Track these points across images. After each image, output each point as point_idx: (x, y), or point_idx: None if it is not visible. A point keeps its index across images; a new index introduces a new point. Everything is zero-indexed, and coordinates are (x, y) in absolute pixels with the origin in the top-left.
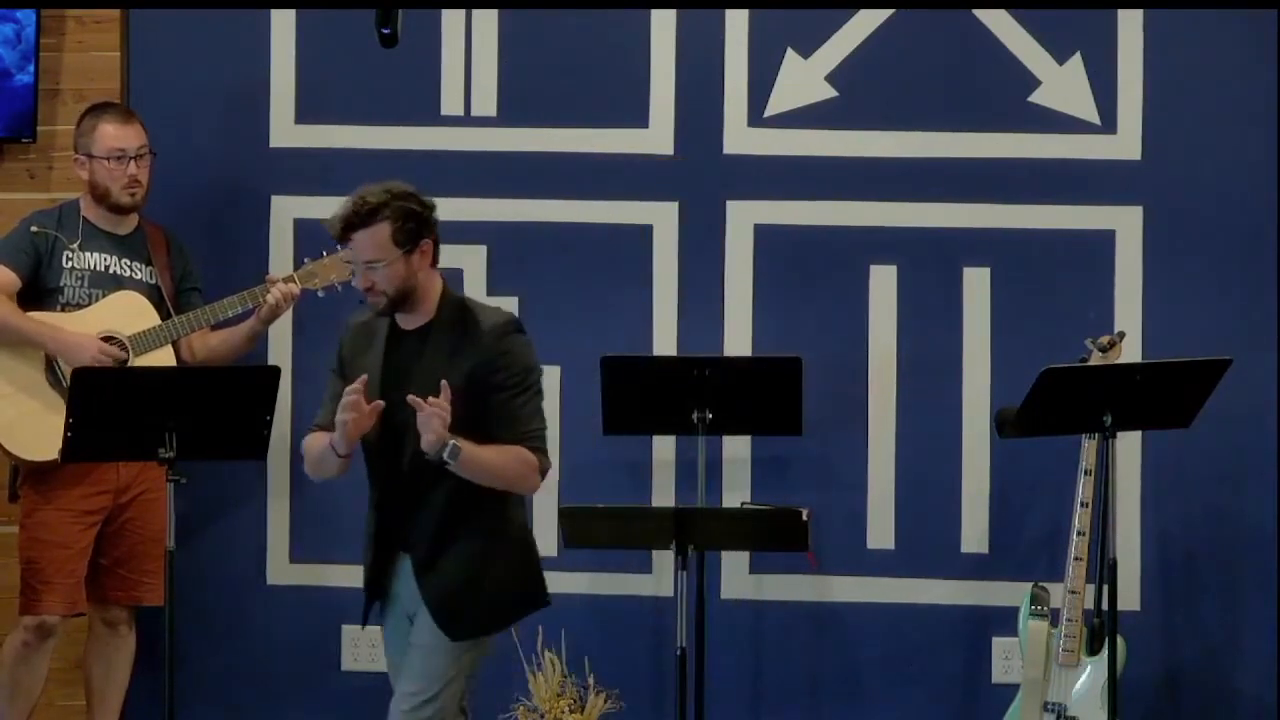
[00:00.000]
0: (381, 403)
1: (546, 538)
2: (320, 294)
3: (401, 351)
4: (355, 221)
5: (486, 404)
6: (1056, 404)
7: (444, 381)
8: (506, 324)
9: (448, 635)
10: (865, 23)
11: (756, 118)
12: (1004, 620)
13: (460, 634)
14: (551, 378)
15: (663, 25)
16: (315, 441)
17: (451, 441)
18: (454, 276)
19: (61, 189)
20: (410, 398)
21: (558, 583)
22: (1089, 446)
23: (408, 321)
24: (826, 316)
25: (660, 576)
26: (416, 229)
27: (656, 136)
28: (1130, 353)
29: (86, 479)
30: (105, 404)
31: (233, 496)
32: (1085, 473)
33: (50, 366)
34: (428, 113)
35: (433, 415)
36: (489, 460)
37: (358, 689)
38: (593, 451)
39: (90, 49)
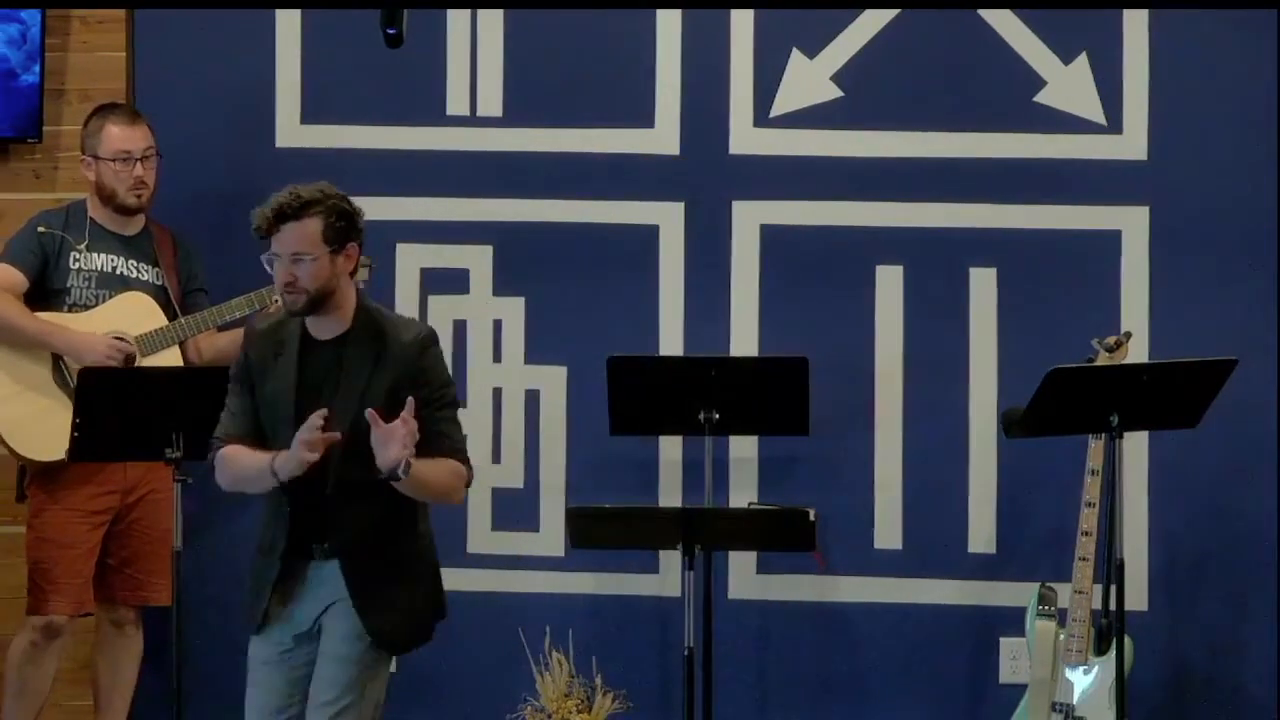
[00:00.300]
0: (337, 435)
1: (553, 538)
2: None
3: (317, 362)
4: (288, 213)
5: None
6: (1063, 404)
7: (410, 400)
8: (426, 337)
9: (387, 650)
10: (871, 23)
11: (762, 118)
12: (1011, 620)
13: (398, 648)
14: (558, 378)
15: (668, 25)
16: (241, 456)
17: (407, 458)
18: (459, 276)
19: (67, 189)
20: (369, 412)
21: (564, 583)
22: (1095, 447)
23: (321, 330)
24: (833, 317)
25: (667, 577)
26: (345, 230)
27: (662, 136)
28: (1137, 353)
29: (94, 479)
30: (112, 404)
31: (239, 496)
32: (1091, 473)
33: (57, 366)
34: (433, 113)
35: (399, 434)
36: (431, 475)
37: None
38: (599, 452)
39: (95, 49)
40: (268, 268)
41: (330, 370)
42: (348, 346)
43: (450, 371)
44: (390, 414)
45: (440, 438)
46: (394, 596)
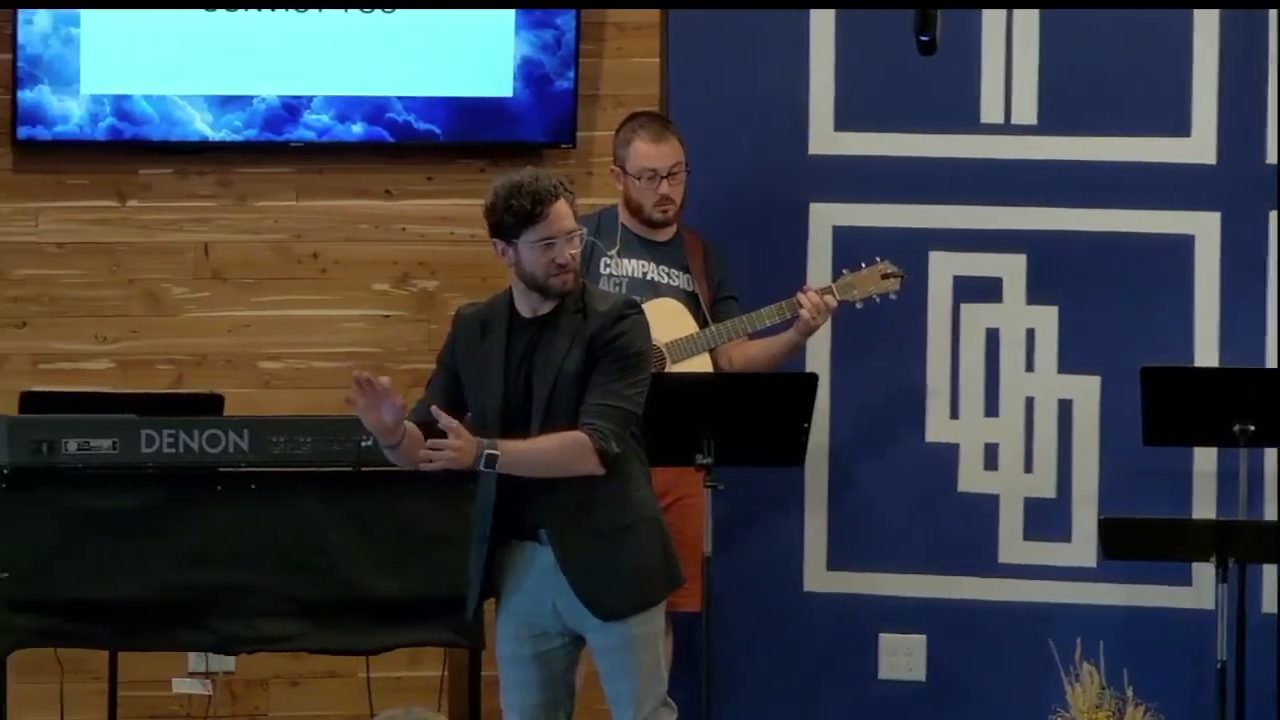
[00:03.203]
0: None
1: (1085, 548)
2: (859, 306)
3: (525, 337)
4: (556, 190)
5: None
6: None
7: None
8: (624, 305)
9: (596, 616)
10: None
11: None
12: None
13: (608, 614)
14: (1091, 388)
15: (1205, 29)
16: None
17: (486, 452)
18: (993, 285)
19: (601, 195)
20: (434, 410)
21: (1095, 594)
22: None
23: (534, 309)
24: None
25: (1200, 589)
26: None
27: (1199, 145)
28: None
29: None
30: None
31: (769, 503)
32: None
33: None
34: (967, 120)
35: (437, 456)
36: (525, 458)
37: (894, 698)
38: (1132, 462)
39: (630, 55)
40: (540, 252)
41: (537, 343)
42: (555, 320)
43: (645, 347)
44: (588, 378)
45: (594, 393)
46: (609, 569)
